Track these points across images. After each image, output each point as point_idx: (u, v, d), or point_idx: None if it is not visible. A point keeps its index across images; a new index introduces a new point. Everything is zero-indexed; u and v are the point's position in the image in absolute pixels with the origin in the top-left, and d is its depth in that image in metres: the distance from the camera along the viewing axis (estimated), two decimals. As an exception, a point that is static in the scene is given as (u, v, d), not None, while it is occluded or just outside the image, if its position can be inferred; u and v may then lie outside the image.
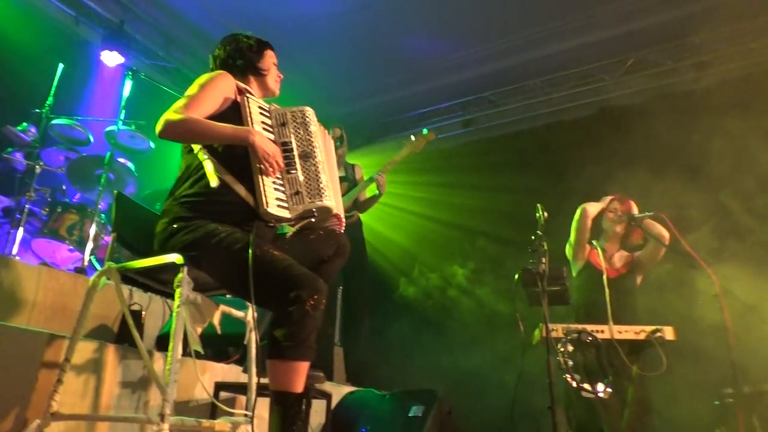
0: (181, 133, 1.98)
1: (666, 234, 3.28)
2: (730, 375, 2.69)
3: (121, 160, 4.67)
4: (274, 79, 2.38)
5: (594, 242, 3.54)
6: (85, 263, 3.69)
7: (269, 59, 2.37)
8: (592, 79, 5.82)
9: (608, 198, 3.59)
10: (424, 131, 4.23)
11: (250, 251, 1.84)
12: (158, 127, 1.96)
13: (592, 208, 3.55)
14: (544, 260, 2.67)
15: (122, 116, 4.14)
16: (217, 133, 1.99)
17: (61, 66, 4.49)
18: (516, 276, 2.69)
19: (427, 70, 6.16)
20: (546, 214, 2.86)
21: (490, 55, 5.84)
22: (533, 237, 2.78)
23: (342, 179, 4.15)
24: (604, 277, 3.19)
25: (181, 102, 2.03)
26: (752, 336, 2.89)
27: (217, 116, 2.06)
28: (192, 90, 2.08)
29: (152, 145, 4.72)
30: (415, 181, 6.48)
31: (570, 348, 2.74)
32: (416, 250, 6.47)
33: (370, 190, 4.11)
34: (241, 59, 2.29)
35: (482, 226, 5.98)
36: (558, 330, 2.85)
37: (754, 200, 4.13)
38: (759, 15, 4.91)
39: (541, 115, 6.18)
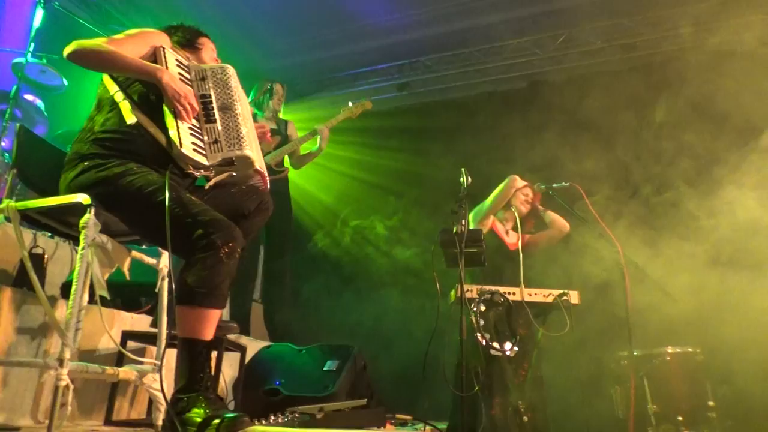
0: (89, 55, 1.92)
1: (566, 228, 3.61)
2: (626, 338, 2.90)
3: (30, 96, 4.34)
4: (210, 55, 2.36)
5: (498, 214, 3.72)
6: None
7: (205, 43, 2.37)
8: (526, 52, 5.94)
9: (524, 183, 3.75)
10: (363, 100, 4.34)
11: (166, 193, 1.78)
12: (68, 48, 1.91)
13: (519, 183, 3.68)
14: (463, 222, 2.75)
15: (31, 48, 3.83)
16: (125, 63, 1.94)
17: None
18: (436, 236, 2.75)
19: (365, 29, 6.06)
20: (470, 179, 2.94)
21: (430, 19, 5.82)
22: (455, 200, 2.86)
23: (274, 132, 4.08)
24: (518, 250, 3.34)
25: (100, 38, 1.98)
26: (646, 302, 3.13)
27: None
28: (116, 35, 2.05)
29: (65, 81, 4.40)
30: (344, 140, 6.48)
31: (482, 308, 2.86)
32: (340, 208, 6.50)
33: (310, 144, 4.07)
34: (183, 39, 2.33)
35: (408, 188, 6.10)
36: (472, 291, 2.97)
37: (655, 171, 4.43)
38: (688, 2, 5.15)
39: (475, 84, 6.26)
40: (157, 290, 2.24)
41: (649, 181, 4.60)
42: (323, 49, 6.45)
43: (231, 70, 2.19)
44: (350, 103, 4.28)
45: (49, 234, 3.23)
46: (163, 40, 2.14)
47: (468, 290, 2.89)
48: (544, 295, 3.09)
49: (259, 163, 2.16)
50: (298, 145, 4.05)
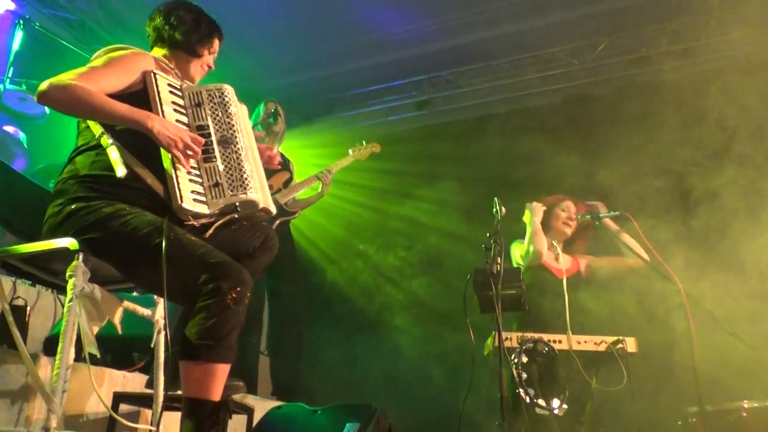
0: (65, 100, 1.89)
1: (645, 256, 3.40)
2: (694, 391, 2.83)
3: (9, 127, 4.45)
4: (201, 65, 2.37)
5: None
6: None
7: (209, 46, 2.37)
8: (561, 62, 5.98)
9: (550, 198, 3.71)
10: (365, 143, 4.50)
11: (163, 236, 1.79)
12: (41, 88, 1.88)
13: (539, 206, 3.65)
14: (499, 260, 2.74)
15: (10, 74, 3.95)
16: (109, 110, 1.92)
17: (-66, 9, 4.23)
18: (468, 277, 2.73)
19: (378, 42, 6.15)
20: (503, 209, 2.93)
21: (451, 29, 5.90)
22: (488, 234, 2.85)
23: (282, 166, 4.14)
24: (564, 281, 3.29)
25: (79, 69, 1.97)
26: (717, 350, 3.06)
27: (124, 96, 2.00)
28: (95, 62, 2.03)
29: (47, 110, 4.52)
30: (356, 166, 6.53)
31: (524, 359, 2.82)
32: (351, 240, 6.55)
33: (311, 189, 4.14)
34: (179, 32, 2.28)
35: (430, 217, 6.12)
36: (512, 339, 2.93)
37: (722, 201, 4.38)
38: (739, 3, 5.18)
39: (504, 100, 6.30)
40: (152, 345, 2.24)
41: (710, 207, 4.54)
42: (331, 65, 6.55)
43: (230, 92, 2.20)
44: (350, 151, 4.44)
45: (30, 282, 3.27)
46: (146, 63, 2.12)
47: (507, 338, 2.85)
48: (595, 343, 3.04)
49: (265, 201, 2.16)
50: (304, 187, 4.11)
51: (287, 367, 3.97)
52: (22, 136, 4.55)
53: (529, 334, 2.93)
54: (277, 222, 3.85)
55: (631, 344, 3.03)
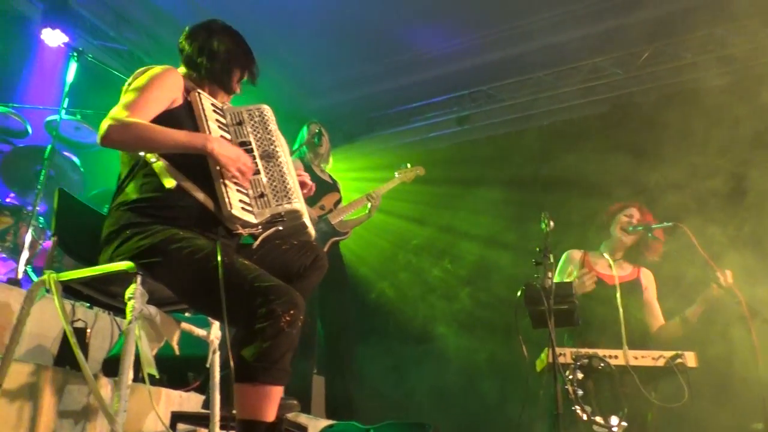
0: (128, 140, 1.96)
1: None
2: (759, 406, 2.73)
3: (66, 155, 4.61)
4: (229, 96, 2.37)
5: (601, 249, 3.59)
6: (20, 274, 3.63)
7: (240, 76, 2.35)
8: (605, 72, 5.90)
9: (614, 206, 3.63)
10: (409, 166, 4.58)
11: (218, 258, 1.83)
12: (101, 132, 1.94)
13: (576, 255, 3.57)
14: (550, 275, 2.70)
15: (65, 104, 4.09)
16: (170, 141, 1.97)
17: (-5, 45, 4.44)
18: (519, 293, 2.70)
19: (418, 60, 6.20)
20: (552, 223, 2.89)
21: (491, 44, 5.90)
22: (537, 249, 2.81)
23: (330, 187, 4.19)
24: (618, 294, 3.22)
25: (125, 100, 2.02)
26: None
27: (165, 117, 2.05)
28: (138, 83, 2.07)
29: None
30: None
31: (579, 375, 2.76)
32: (397, 257, 6.57)
33: (360, 209, 4.19)
34: (213, 65, 2.25)
35: (475, 231, 6.11)
36: (566, 355, 2.87)
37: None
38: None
39: (547, 112, 6.24)
40: (208, 365, 2.28)
41: (764, 210, 4.40)
42: (371, 84, 6.62)
43: (269, 111, 2.26)
44: (396, 174, 4.52)
45: (88, 305, 3.37)
46: (177, 80, 2.15)
47: (560, 354, 2.80)
48: (653, 358, 2.95)
49: (306, 216, 2.20)
50: (353, 209, 4.15)
51: (339, 386, 3.98)
52: (75, 160, 4.71)
53: (583, 350, 2.87)
54: (330, 242, 3.89)
55: (690, 359, 2.93)
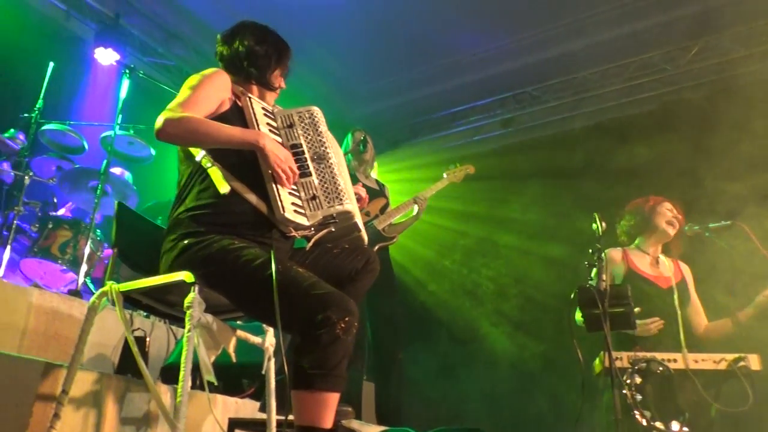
0: (182, 133, 2.00)
1: None
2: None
3: (119, 169, 4.76)
4: (276, 93, 2.40)
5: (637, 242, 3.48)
6: (80, 285, 3.76)
7: (283, 71, 2.39)
8: (653, 69, 5.76)
9: (649, 201, 3.53)
10: (458, 165, 4.51)
11: (272, 267, 1.85)
12: (157, 125, 1.99)
13: (617, 255, 3.47)
14: (604, 277, 2.65)
15: (119, 120, 4.22)
16: (223, 135, 2.02)
17: (51, 65, 4.61)
18: (572, 296, 2.65)
19: (460, 63, 6.19)
20: (604, 224, 2.84)
21: (533, 45, 5.85)
22: (590, 251, 2.77)
23: (376, 193, 4.20)
24: (675, 296, 3.13)
25: (179, 98, 2.07)
26: None
27: (216, 118, 2.10)
28: (191, 82, 2.13)
29: (153, 152, 4.81)
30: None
31: (638, 380, 2.70)
32: (442, 263, 6.57)
33: (406, 213, 4.19)
34: (255, 66, 2.30)
35: (520, 235, 6.09)
36: (623, 359, 2.81)
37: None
38: None
39: (594, 112, 6.14)
40: (263, 372, 2.31)
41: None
42: (414, 89, 6.63)
43: (319, 113, 2.28)
44: (444, 175, 4.45)
45: (145, 314, 3.46)
46: (225, 82, 2.20)
47: (617, 358, 2.74)
48: (714, 361, 2.85)
49: (358, 218, 2.21)
50: (400, 213, 4.14)
51: (389, 391, 3.98)
52: (128, 175, 4.85)
53: (641, 354, 2.80)
54: (377, 248, 3.90)
55: (754, 361, 2.82)
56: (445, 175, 4.44)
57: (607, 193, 5.14)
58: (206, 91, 2.11)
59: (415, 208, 4.18)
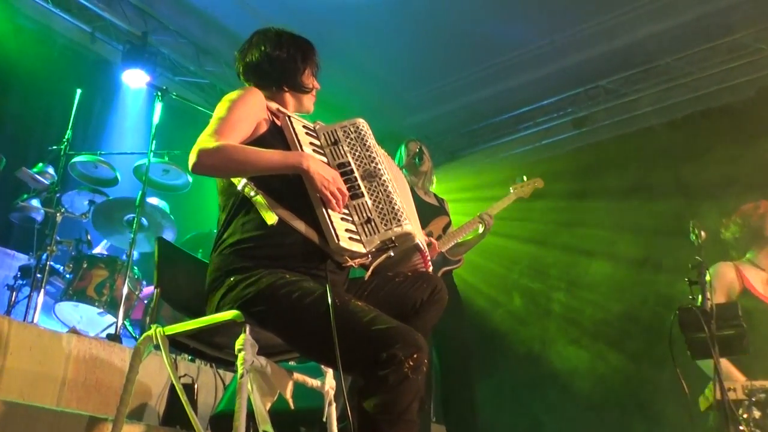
0: (219, 163, 2.04)
1: None
2: None
3: (155, 199, 4.90)
4: (312, 94, 2.44)
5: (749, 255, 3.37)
6: (119, 328, 3.86)
7: (313, 69, 2.42)
8: (748, 50, 5.60)
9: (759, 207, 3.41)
10: (525, 179, 4.53)
11: (329, 301, 1.86)
12: (192, 159, 2.03)
13: (728, 271, 3.35)
14: (709, 295, 2.56)
15: (153, 147, 4.34)
16: (264, 162, 2.04)
17: (78, 92, 4.79)
18: (672, 317, 2.58)
19: (521, 59, 6.16)
20: (703, 234, 2.76)
21: (604, 32, 5.77)
22: (690, 264, 2.69)
23: (437, 210, 4.20)
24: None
25: (210, 127, 2.11)
26: None
27: (253, 142, 2.13)
28: (220, 111, 2.15)
29: (190, 179, 4.94)
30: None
31: (756, 414, 2.59)
32: (513, 281, 6.58)
33: (471, 233, 4.19)
34: (281, 71, 2.34)
35: (601, 247, 6.03)
36: (737, 390, 2.70)
37: None
38: None
39: (680, 104, 6.00)
40: (324, 419, 2.31)
41: None
42: (470, 92, 6.62)
43: (364, 125, 2.28)
44: (511, 189, 4.46)
45: (190, 357, 3.54)
46: (260, 101, 2.22)
47: (731, 389, 2.63)
48: None
49: (420, 237, 2.20)
50: (465, 232, 4.13)
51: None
52: (165, 205, 5.00)
53: (758, 383, 2.69)
54: (441, 272, 3.89)
55: None
56: (511, 190, 4.44)
57: (702, 197, 5.01)
58: (239, 114, 2.14)
59: (481, 227, 4.16)
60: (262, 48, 2.35)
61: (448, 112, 6.85)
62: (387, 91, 6.60)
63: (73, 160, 4.72)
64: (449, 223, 4.21)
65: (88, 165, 4.81)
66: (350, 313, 1.90)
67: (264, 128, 2.18)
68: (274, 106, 2.28)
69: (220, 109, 2.16)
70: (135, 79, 5.61)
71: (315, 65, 2.43)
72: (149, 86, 5.51)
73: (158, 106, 4.37)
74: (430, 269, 2.31)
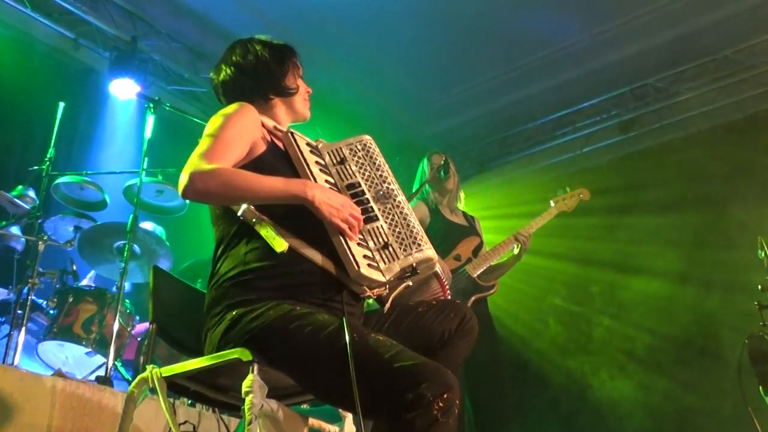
0: (215, 189, 2.05)
1: None
2: None
3: (148, 224, 4.93)
4: (303, 97, 2.47)
5: None
6: (110, 369, 3.87)
7: (295, 71, 2.46)
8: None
9: None
10: (568, 190, 4.52)
11: (346, 336, 1.86)
12: (182, 183, 2.04)
13: None
14: (782, 321, 2.55)
15: (145, 165, 4.37)
16: (265, 189, 2.06)
17: (61, 106, 4.82)
18: (741, 350, 2.56)
19: (558, 56, 6.15)
20: (774, 250, 2.75)
21: (652, 24, 5.76)
22: (759, 286, 2.68)
23: (466, 230, 4.20)
24: None
25: (201, 146, 2.12)
26: None
27: (250, 164, 2.15)
28: (212, 128, 2.18)
29: (187, 200, 4.96)
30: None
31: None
32: (551, 304, 6.61)
33: (506, 254, 4.20)
34: (259, 78, 2.38)
35: (652, 268, 6.06)
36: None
37: None
38: None
39: (743, 102, 5.99)
40: (343, 470, 2.31)
41: None
42: (500, 95, 6.62)
43: (371, 142, 2.33)
44: (552, 202, 4.45)
45: (190, 402, 3.54)
46: (254, 118, 2.25)
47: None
48: None
49: (439, 263, 2.23)
50: (498, 254, 4.12)
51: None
52: (160, 231, 5.03)
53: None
54: (472, 300, 3.88)
55: None
56: (552, 204, 4.43)
57: (757, 209, 5.01)
58: (233, 132, 2.16)
59: (516, 247, 4.15)
60: (234, 59, 2.41)
61: (476, 118, 6.86)
62: (405, 95, 6.62)
63: (57, 181, 4.75)
64: (481, 244, 4.21)
65: (72, 186, 4.84)
66: (370, 349, 1.90)
67: (262, 148, 2.20)
68: (270, 123, 2.31)
69: (212, 126, 2.18)
70: (124, 90, 5.67)
71: (296, 66, 2.47)
72: (140, 97, 5.57)
73: (150, 119, 4.41)
74: (449, 296, 2.32)
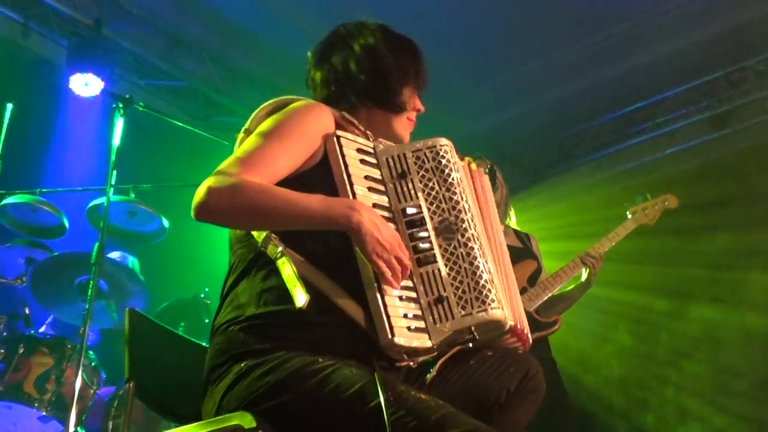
0: (234, 210, 2.03)
1: None
2: None
3: (117, 253, 4.93)
4: (408, 116, 2.45)
5: None
6: (70, 441, 3.86)
7: (417, 84, 2.46)
8: None
9: None
10: (649, 197, 4.49)
11: (380, 396, 1.84)
12: (197, 198, 2.02)
13: None
14: None
15: (113, 180, 4.36)
16: (297, 211, 2.04)
17: (9, 108, 4.83)
18: None
19: (634, 33, 6.12)
20: None
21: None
22: None
23: (520, 252, 4.18)
24: None
25: (241, 149, 2.12)
26: None
27: (293, 180, 2.12)
28: (264, 128, 2.16)
29: (165, 223, 4.96)
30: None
31: None
32: (623, 347, 6.64)
33: (572, 281, 4.19)
34: (377, 82, 2.37)
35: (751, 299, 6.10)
36: None
37: None
38: None
39: None
40: None
41: None
42: (558, 86, 6.60)
43: (448, 149, 2.24)
44: (629, 212, 4.44)
45: (175, 478, 3.52)
46: (326, 124, 2.21)
47: None
48: None
49: (518, 317, 2.22)
50: (562, 281, 4.10)
51: None
52: (133, 261, 5.03)
53: None
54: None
55: None
56: (629, 215, 4.40)
57: None
58: (290, 141, 2.13)
59: (584, 272, 4.12)
60: (361, 42, 2.40)
61: (527, 115, 6.86)
62: (440, 87, 6.59)
63: (3, 202, 4.78)
64: (538, 269, 4.19)
65: (23, 208, 4.88)
66: (409, 409, 1.87)
67: (316, 160, 2.17)
68: (338, 124, 2.26)
69: (267, 123, 2.17)
70: (86, 86, 5.68)
71: (419, 80, 2.46)
72: (106, 95, 5.57)
73: (119, 123, 4.41)
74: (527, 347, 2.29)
